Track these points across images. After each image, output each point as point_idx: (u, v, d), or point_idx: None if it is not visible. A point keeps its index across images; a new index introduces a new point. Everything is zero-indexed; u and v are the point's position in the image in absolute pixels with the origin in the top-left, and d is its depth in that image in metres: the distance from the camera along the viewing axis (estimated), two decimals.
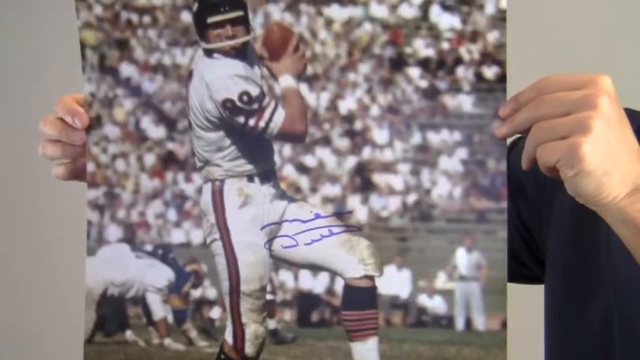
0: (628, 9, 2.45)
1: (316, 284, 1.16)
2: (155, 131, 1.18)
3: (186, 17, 1.15)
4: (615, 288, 1.17)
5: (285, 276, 1.16)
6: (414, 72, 1.11)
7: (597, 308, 1.21)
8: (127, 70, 1.18)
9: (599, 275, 1.20)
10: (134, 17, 1.17)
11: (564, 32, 2.45)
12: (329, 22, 1.13)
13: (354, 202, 1.13)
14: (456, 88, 1.11)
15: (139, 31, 1.17)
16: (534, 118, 1.01)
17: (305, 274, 1.16)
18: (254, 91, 1.13)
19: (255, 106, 1.13)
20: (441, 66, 1.11)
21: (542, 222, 1.30)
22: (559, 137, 0.99)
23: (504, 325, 1.08)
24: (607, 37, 2.43)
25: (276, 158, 1.15)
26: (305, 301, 1.16)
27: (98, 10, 1.17)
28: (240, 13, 1.13)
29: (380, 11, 1.12)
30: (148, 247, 1.19)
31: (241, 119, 1.13)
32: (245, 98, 1.13)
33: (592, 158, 0.97)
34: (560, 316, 1.28)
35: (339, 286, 1.15)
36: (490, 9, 1.08)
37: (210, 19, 1.13)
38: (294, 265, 1.15)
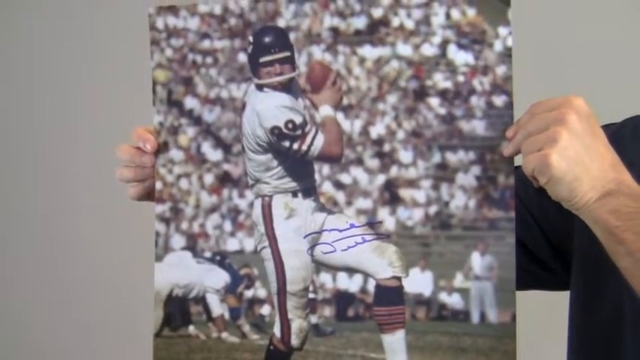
0: (617, 45, 2.51)
1: (352, 284, 1.25)
2: (213, 154, 1.29)
3: (242, 57, 1.26)
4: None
5: (325, 278, 1.25)
6: (434, 101, 1.21)
7: (610, 297, 1.25)
8: (190, 102, 1.29)
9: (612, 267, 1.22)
10: (199, 58, 1.29)
11: (563, 66, 2.53)
12: (362, 60, 1.23)
13: (383, 213, 1.22)
14: (470, 115, 1.20)
15: (202, 69, 1.28)
16: (525, 136, 1.11)
17: (342, 276, 1.25)
18: (298, 120, 1.24)
19: (299, 132, 1.24)
20: (457, 96, 1.20)
21: (570, 225, 1.31)
22: (536, 150, 1.09)
23: (514, 318, 1.16)
24: (597, 69, 2.50)
25: (317, 176, 1.25)
26: (342, 299, 1.25)
27: (169, 52, 1.29)
28: (287, 53, 1.24)
29: (405, 50, 1.22)
30: (207, 254, 1.29)
31: (287, 143, 1.24)
32: (290, 126, 1.24)
33: (560, 166, 1.07)
34: (577, 308, 1.31)
35: (371, 285, 1.24)
36: (498, 47, 1.19)
37: (262, 59, 1.25)
38: (333, 268, 1.25)
